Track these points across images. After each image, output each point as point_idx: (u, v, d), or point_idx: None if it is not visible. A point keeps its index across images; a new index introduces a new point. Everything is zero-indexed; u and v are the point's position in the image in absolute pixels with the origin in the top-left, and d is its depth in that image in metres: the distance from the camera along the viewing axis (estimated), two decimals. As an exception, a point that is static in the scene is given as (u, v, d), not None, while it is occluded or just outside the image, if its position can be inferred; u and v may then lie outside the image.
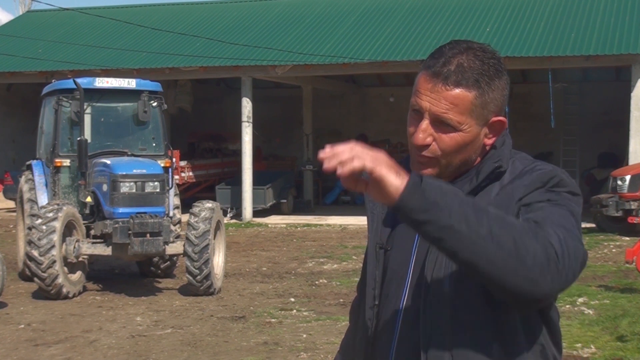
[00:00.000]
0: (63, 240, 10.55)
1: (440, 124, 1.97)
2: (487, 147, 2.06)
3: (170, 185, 11.80)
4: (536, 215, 1.86)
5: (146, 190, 11.01)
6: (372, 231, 2.15)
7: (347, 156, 1.75)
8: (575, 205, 1.93)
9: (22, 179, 12.24)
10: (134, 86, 12.12)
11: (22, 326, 9.25)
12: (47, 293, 10.50)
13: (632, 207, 16.33)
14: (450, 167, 2.03)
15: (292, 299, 10.69)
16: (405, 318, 2.03)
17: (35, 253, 10.28)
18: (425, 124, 1.98)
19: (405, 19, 22.48)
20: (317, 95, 25.55)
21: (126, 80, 12.32)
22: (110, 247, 10.74)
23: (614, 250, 14.93)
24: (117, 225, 10.52)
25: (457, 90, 1.95)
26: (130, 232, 10.41)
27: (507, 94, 2.05)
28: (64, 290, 10.53)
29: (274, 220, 20.87)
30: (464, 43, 2.03)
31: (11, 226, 17.93)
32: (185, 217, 11.49)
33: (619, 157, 21.16)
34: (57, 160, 11.64)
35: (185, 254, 10.77)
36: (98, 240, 10.98)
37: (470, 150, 2.02)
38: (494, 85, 1.99)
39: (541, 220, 1.83)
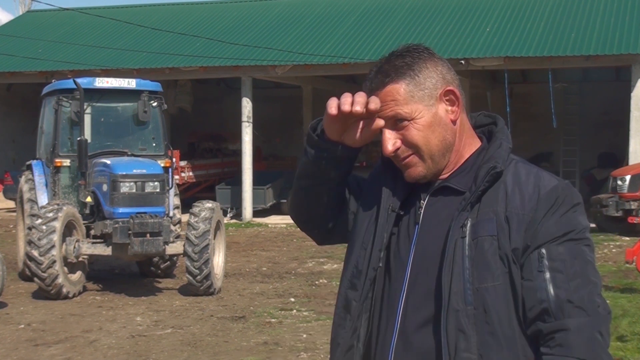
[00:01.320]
0: (63, 240, 10.55)
1: (397, 123, 2.05)
2: (455, 120, 2.09)
3: (170, 185, 11.80)
4: (565, 278, 1.94)
5: (146, 190, 11.01)
6: (385, 196, 2.13)
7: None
8: (589, 248, 2.00)
9: (22, 179, 12.24)
10: (134, 86, 12.12)
11: (22, 326, 9.25)
12: (47, 293, 10.50)
13: (632, 207, 16.32)
14: (434, 157, 2.06)
15: (292, 299, 10.69)
16: (404, 316, 2.05)
17: (35, 253, 10.28)
18: (386, 132, 2.06)
19: (405, 18, 22.49)
20: (317, 95, 25.53)
21: (126, 80, 12.31)
22: (110, 247, 10.74)
23: (614, 250, 14.94)
24: (117, 225, 10.52)
25: (387, 88, 2.04)
26: (130, 232, 10.41)
27: (443, 70, 2.08)
28: (64, 290, 10.53)
29: (274, 220, 20.87)
30: (390, 53, 2.12)
31: (11, 226, 17.93)
32: (185, 217, 11.49)
33: (619, 157, 21.16)
34: (57, 160, 11.63)
35: (185, 254, 10.77)
36: (98, 240, 10.98)
37: (439, 132, 2.06)
38: (417, 66, 2.06)
39: (573, 292, 1.93)
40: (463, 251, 1.98)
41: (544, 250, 1.95)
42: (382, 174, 2.20)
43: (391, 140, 2.05)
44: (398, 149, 2.06)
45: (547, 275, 1.94)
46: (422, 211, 2.10)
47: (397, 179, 2.17)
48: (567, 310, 1.92)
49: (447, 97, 2.07)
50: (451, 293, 1.96)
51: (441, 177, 2.11)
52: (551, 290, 1.93)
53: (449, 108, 2.07)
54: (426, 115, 2.04)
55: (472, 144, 2.13)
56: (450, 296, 1.96)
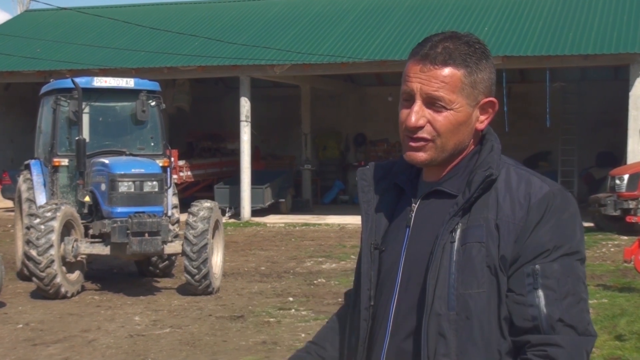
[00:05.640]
0: (61, 239, 10.55)
1: (433, 104, 2.00)
2: (480, 130, 2.08)
3: (168, 185, 11.80)
4: (558, 297, 1.93)
5: (144, 190, 11.00)
6: (366, 231, 2.15)
7: None
8: (581, 262, 1.99)
9: (21, 179, 12.23)
10: (132, 86, 12.11)
11: (21, 326, 9.24)
12: (46, 293, 10.50)
13: (631, 206, 16.33)
14: (445, 151, 2.03)
15: (291, 299, 10.68)
16: (395, 320, 2.04)
17: (33, 252, 10.27)
18: (417, 105, 2.01)
19: (404, 18, 22.49)
20: (316, 95, 25.54)
21: (124, 79, 12.31)
22: (109, 246, 10.73)
23: (612, 249, 14.94)
24: (115, 225, 10.51)
25: (447, 69, 1.98)
26: (128, 231, 10.41)
27: (494, 78, 2.07)
28: (63, 289, 10.52)
29: (273, 219, 20.87)
30: (448, 32, 2.07)
31: (9, 226, 17.92)
32: (183, 217, 11.49)
33: (617, 156, 21.17)
34: (55, 159, 11.62)
35: (183, 253, 10.77)
36: (96, 240, 10.97)
37: (464, 132, 2.03)
38: (481, 65, 2.02)
39: (561, 313, 1.92)
40: (451, 256, 1.96)
41: (538, 267, 1.93)
42: (367, 193, 2.19)
43: (419, 115, 2.00)
44: (421, 127, 2.01)
45: (540, 292, 1.92)
46: (414, 214, 2.09)
47: (384, 191, 2.17)
48: (558, 328, 1.91)
49: (486, 107, 2.06)
50: (435, 297, 1.96)
51: (433, 179, 2.10)
52: (544, 309, 1.92)
53: (481, 117, 2.06)
54: (464, 112, 2.01)
55: (477, 137, 2.11)
56: (434, 300, 1.96)
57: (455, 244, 1.97)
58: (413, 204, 2.10)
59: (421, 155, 2.03)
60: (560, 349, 1.90)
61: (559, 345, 1.90)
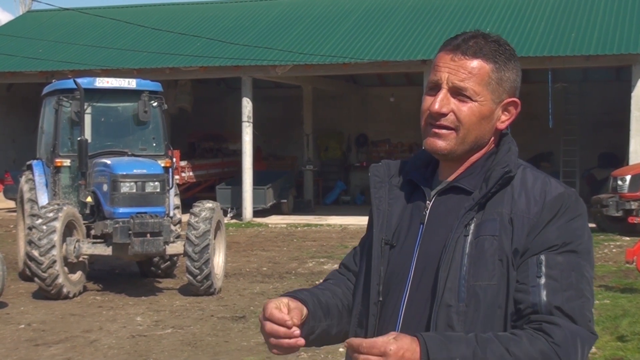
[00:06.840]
0: (63, 240, 10.55)
1: (458, 94, 2.03)
2: (500, 131, 2.11)
3: (170, 185, 11.80)
4: (559, 287, 1.93)
5: (146, 190, 11.01)
6: (377, 226, 2.16)
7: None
8: (588, 264, 2.03)
9: (23, 179, 12.24)
10: (134, 86, 12.12)
11: (23, 326, 9.25)
12: (48, 293, 10.50)
13: (633, 207, 16.34)
14: (465, 143, 2.06)
15: (293, 299, 10.67)
16: (406, 315, 2.05)
17: (35, 253, 10.28)
18: (443, 93, 2.04)
19: (406, 19, 22.48)
20: (318, 95, 25.55)
21: (126, 80, 12.31)
22: (111, 247, 10.74)
23: (614, 250, 14.94)
24: (117, 225, 10.52)
25: (476, 61, 2.03)
26: (130, 232, 10.41)
27: (519, 82, 2.11)
28: (65, 290, 10.53)
29: (274, 220, 20.87)
30: (479, 31, 2.12)
31: (11, 226, 17.93)
32: (185, 217, 11.50)
33: (619, 157, 21.16)
34: (57, 160, 11.63)
35: (185, 254, 10.77)
36: (98, 240, 10.98)
37: (485, 127, 2.06)
38: (509, 65, 2.07)
39: (561, 303, 1.92)
40: (464, 249, 1.98)
41: (542, 257, 1.95)
42: (379, 189, 2.20)
43: (443, 102, 2.04)
44: (444, 115, 2.04)
45: (543, 281, 1.94)
46: (428, 211, 2.10)
47: (396, 188, 2.18)
48: (556, 315, 1.92)
49: (508, 107, 2.09)
50: (445, 289, 1.97)
51: (449, 177, 2.12)
52: (544, 297, 1.93)
53: (502, 116, 2.10)
54: (487, 106, 2.05)
55: (497, 136, 2.14)
56: (444, 292, 1.97)
57: (469, 237, 1.99)
58: (428, 201, 2.11)
59: (441, 144, 2.06)
60: (556, 327, 1.90)
61: (556, 324, 1.90)
